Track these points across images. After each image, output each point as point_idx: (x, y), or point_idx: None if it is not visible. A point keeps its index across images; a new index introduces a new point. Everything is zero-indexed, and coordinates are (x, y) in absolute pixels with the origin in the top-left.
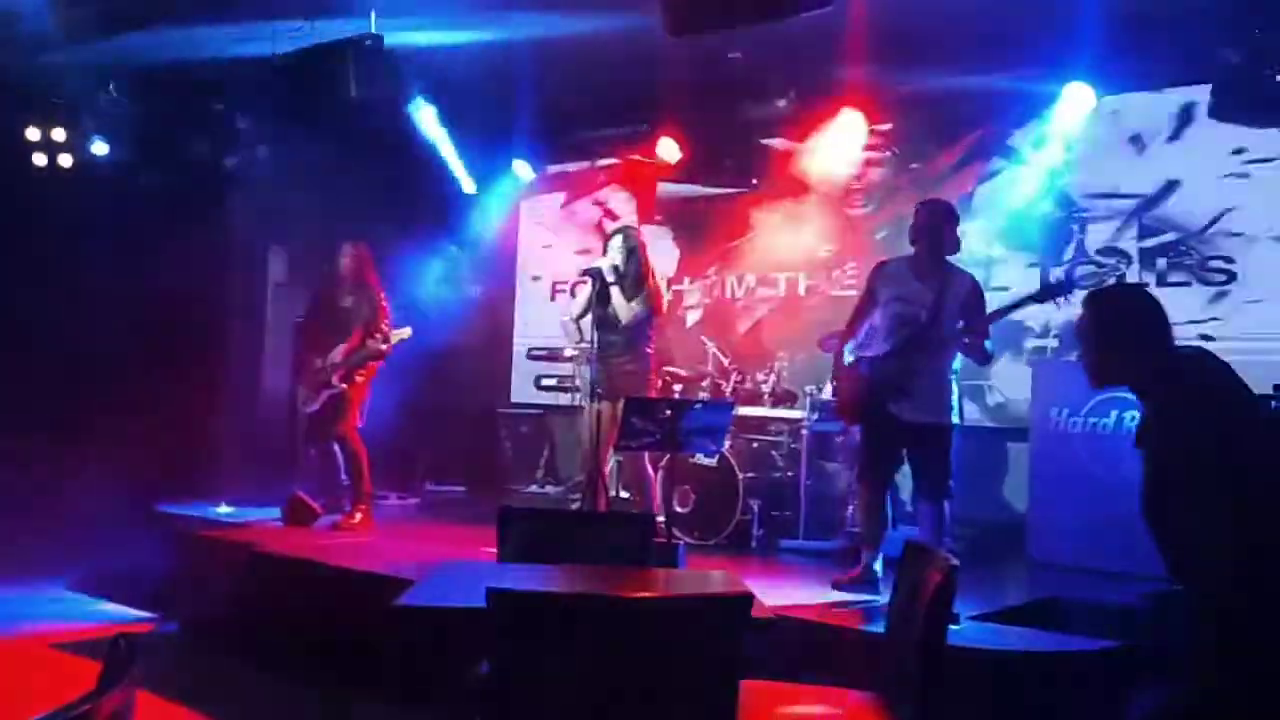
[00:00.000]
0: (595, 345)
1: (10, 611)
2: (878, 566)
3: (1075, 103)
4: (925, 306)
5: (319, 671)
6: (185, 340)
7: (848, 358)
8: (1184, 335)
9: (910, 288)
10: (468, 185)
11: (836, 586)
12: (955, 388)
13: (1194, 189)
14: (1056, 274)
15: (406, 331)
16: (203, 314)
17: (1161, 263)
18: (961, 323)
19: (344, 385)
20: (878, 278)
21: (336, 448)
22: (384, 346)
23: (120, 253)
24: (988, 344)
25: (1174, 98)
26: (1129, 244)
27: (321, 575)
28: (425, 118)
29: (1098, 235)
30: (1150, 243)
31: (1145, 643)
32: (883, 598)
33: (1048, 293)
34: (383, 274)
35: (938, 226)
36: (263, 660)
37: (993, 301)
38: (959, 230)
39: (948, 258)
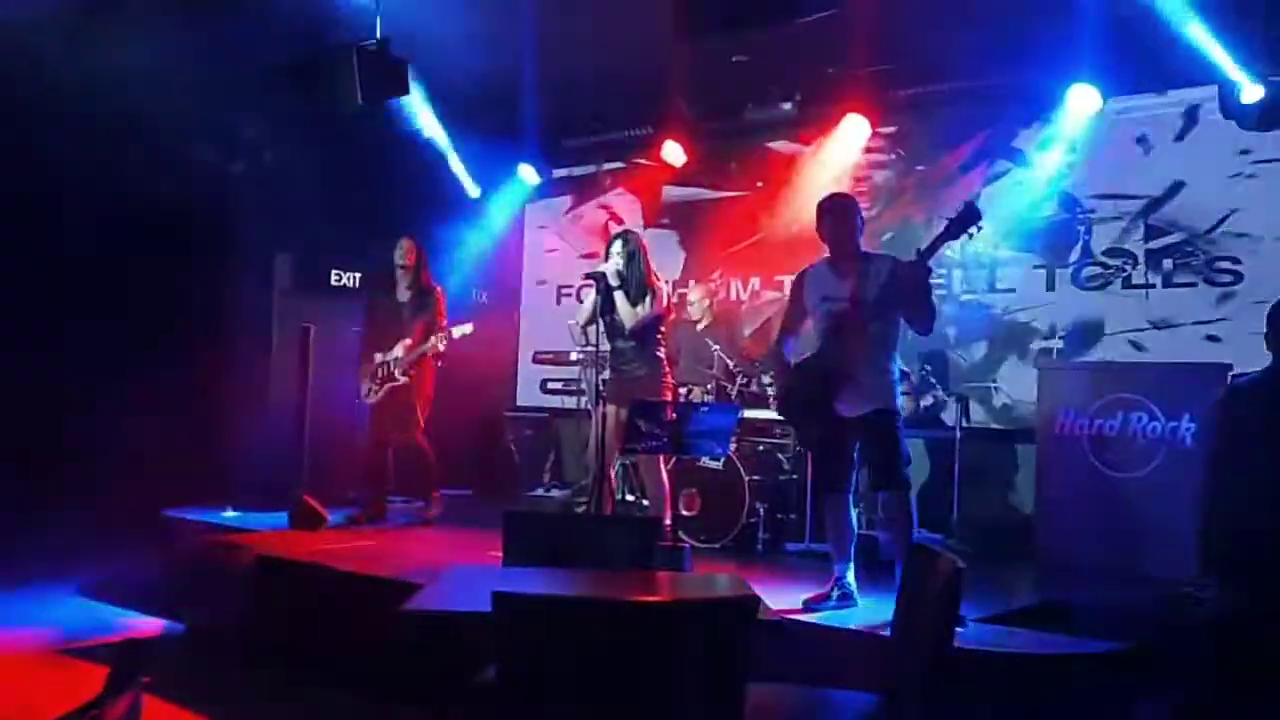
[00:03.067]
0: (609, 352)
1: (19, 616)
2: (850, 578)
3: (1080, 104)
4: (847, 296)
5: (326, 676)
6: (191, 346)
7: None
8: (1192, 336)
9: (832, 286)
10: (473, 190)
11: (810, 608)
12: (896, 375)
13: (1200, 190)
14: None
15: (469, 327)
16: (208, 320)
17: (1168, 264)
18: (889, 307)
19: (406, 379)
20: (801, 284)
21: (398, 455)
22: (443, 345)
23: (125, 258)
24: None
25: (1179, 99)
26: (1135, 245)
27: (329, 580)
28: (430, 122)
29: (1104, 236)
30: (1157, 244)
31: (1154, 645)
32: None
33: (958, 225)
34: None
35: (839, 219)
36: (270, 665)
37: (999, 303)
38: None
39: (863, 248)
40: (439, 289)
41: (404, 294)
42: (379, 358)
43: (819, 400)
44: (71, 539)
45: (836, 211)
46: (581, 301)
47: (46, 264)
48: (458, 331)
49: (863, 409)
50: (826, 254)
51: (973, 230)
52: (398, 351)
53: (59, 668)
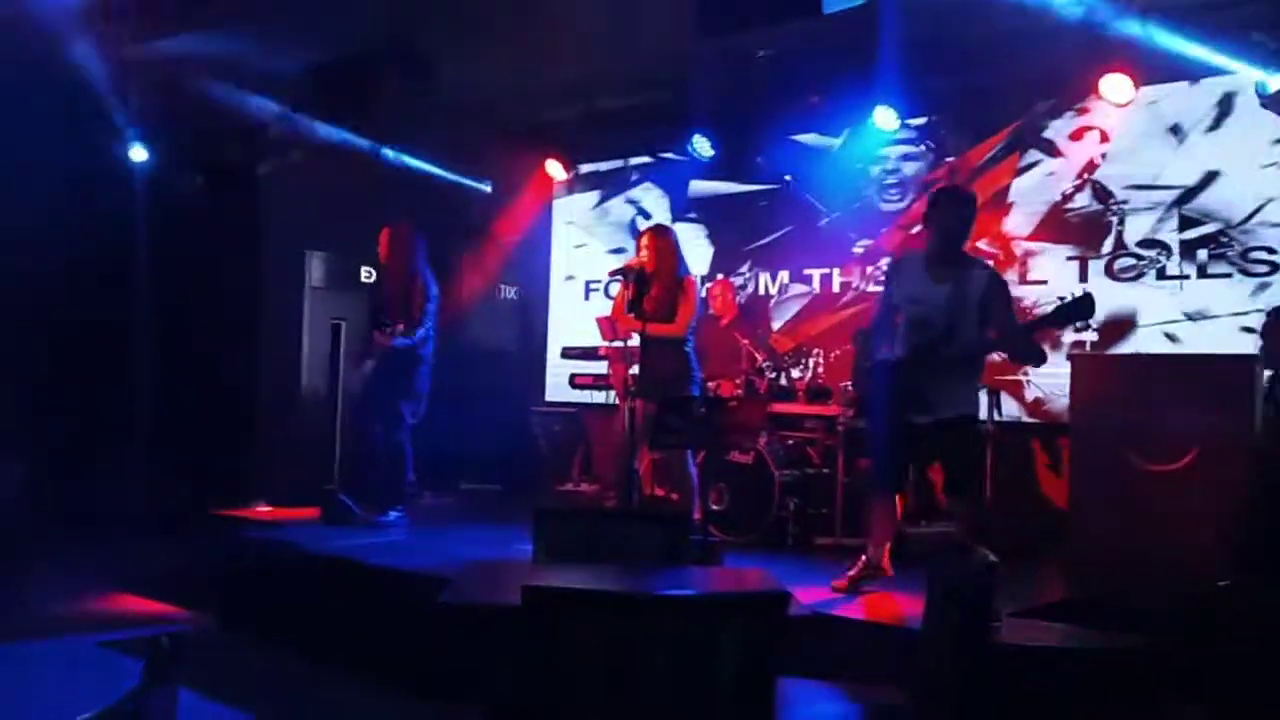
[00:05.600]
0: (638, 345)
1: (57, 610)
2: (884, 562)
3: (1113, 93)
4: (939, 309)
5: (358, 669)
6: (224, 343)
7: (863, 362)
8: (1227, 327)
9: (924, 287)
10: (482, 186)
11: (839, 590)
12: (978, 382)
13: (1234, 179)
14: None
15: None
16: (241, 316)
17: (1202, 254)
18: (981, 324)
19: (374, 364)
20: (891, 275)
21: (382, 444)
22: (393, 343)
23: (159, 258)
24: (1025, 340)
25: (1213, 87)
26: (1169, 236)
27: (360, 574)
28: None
29: (1137, 227)
30: (1191, 234)
31: (1188, 641)
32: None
33: (1068, 314)
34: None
35: (952, 215)
36: (303, 658)
37: (1031, 295)
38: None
39: (964, 249)
40: (420, 280)
41: (390, 288)
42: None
43: (896, 405)
44: (108, 533)
45: (952, 204)
46: (611, 297)
47: (75, 268)
48: (397, 333)
49: (942, 414)
50: (924, 249)
51: (1078, 325)
52: (375, 349)
53: (98, 661)
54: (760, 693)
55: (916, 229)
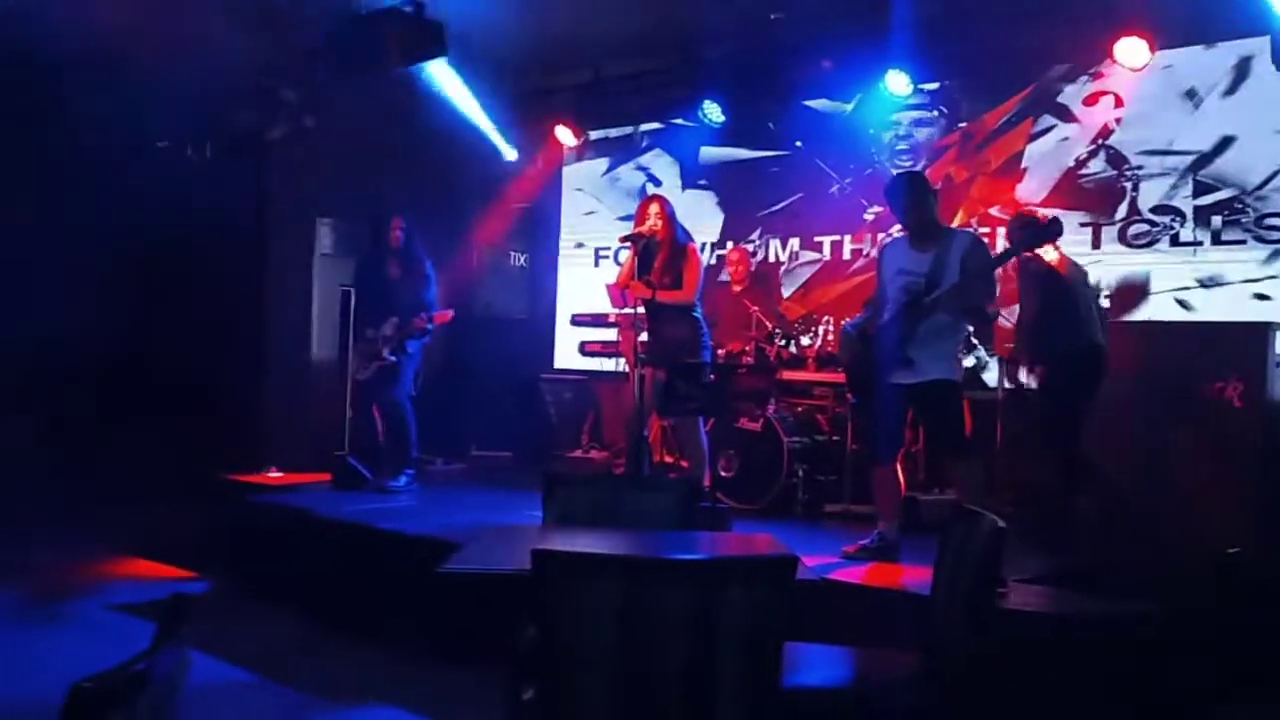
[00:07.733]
0: (645, 312)
1: (68, 573)
2: (893, 536)
3: (1128, 57)
4: (924, 272)
5: (368, 633)
6: (233, 310)
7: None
8: (1240, 294)
9: (909, 259)
10: (510, 153)
11: (848, 557)
12: (959, 348)
13: (1250, 145)
14: (1039, 217)
15: (449, 314)
16: (250, 284)
17: (1216, 221)
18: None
19: (394, 358)
20: (881, 258)
21: (382, 413)
22: (429, 327)
23: (167, 225)
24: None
25: (1230, 51)
26: (1183, 202)
27: (371, 539)
28: (463, 86)
29: (1151, 193)
30: (1205, 200)
31: (1197, 608)
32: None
33: (1035, 237)
34: (427, 243)
35: (911, 200)
36: (314, 622)
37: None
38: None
39: (937, 222)
40: (428, 269)
41: (394, 271)
42: (369, 333)
43: (879, 369)
44: (119, 498)
45: (909, 192)
46: (620, 265)
47: (82, 235)
48: (439, 318)
49: (921, 378)
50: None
51: (1047, 246)
52: (386, 330)
53: (109, 624)
54: (768, 656)
55: None
